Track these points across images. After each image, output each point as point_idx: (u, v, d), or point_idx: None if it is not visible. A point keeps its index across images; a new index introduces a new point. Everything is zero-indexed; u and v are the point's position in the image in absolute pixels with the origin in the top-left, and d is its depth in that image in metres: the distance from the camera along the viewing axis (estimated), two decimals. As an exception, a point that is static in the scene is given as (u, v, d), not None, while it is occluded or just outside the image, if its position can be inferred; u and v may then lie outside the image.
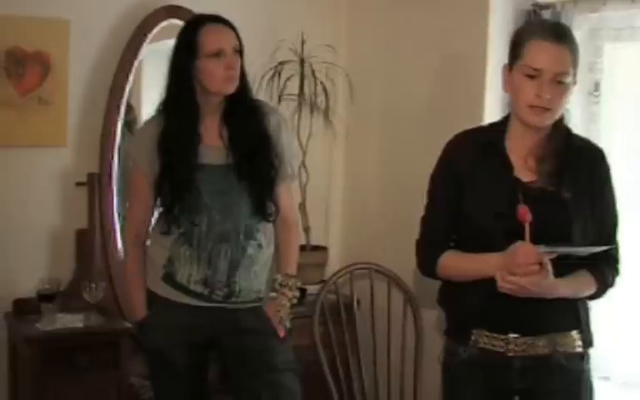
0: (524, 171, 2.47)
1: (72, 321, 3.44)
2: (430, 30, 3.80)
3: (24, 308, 3.53)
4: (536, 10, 3.35)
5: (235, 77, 2.83)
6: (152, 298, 2.93)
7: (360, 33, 4.27)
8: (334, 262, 4.21)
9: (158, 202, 2.90)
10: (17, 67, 3.54)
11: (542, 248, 2.32)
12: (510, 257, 2.35)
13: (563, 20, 3.27)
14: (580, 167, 2.48)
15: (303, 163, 4.00)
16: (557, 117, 2.44)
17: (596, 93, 3.32)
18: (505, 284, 2.34)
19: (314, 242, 4.18)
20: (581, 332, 2.50)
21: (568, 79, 2.39)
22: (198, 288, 2.87)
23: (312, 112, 4.05)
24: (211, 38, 2.79)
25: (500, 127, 2.55)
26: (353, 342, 3.51)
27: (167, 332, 2.90)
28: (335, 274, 3.58)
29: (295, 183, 3.85)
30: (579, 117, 3.33)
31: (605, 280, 2.50)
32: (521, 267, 2.32)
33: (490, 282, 2.37)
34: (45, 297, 3.45)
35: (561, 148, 2.47)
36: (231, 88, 2.83)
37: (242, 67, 2.87)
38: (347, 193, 4.41)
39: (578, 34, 3.25)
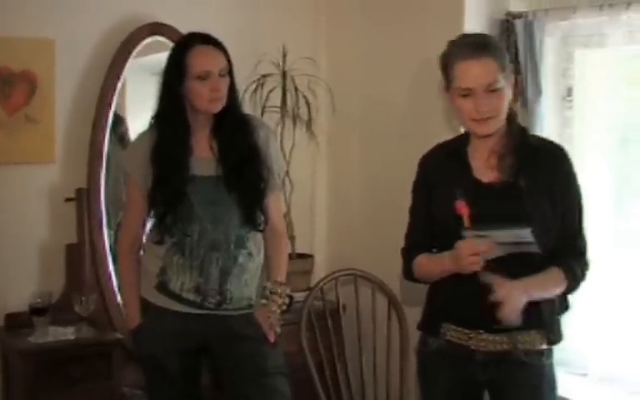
0: (486, 171, 2.62)
1: (64, 333, 3.49)
2: (406, 40, 3.89)
3: (16, 322, 3.58)
4: (509, 19, 3.45)
5: (220, 98, 2.91)
6: (145, 306, 3.01)
7: (339, 45, 4.35)
8: (320, 270, 4.29)
9: (151, 213, 2.98)
10: (4, 87, 3.59)
11: (473, 232, 2.49)
12: (455, 254, 2.51)
13: (536, 28, 3.38)
14: (537, 164, 2.58)
15: (287, 174, 4.07)
16: (502, 119, 2.57)
17: (569, 98, 3.42)
18: (473, 267, 2.48)
19: (300, 250, 4.25)
20: (544, 331, 2.61)
21: (500, 84, 2.51)
22: (191, 296, 2.95)
23: (294, 123, 4.13)
24: (198, 61, 2.87)
25: (465, 137, 2.71)
26: (340, 346, 3.59)
27: (161, 338, 2.98)
28: (320, 281, 3.65)
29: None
30: (553, 121, 3.44)
31: (574, 274, 2.59)
32: (465, 261, 2.48)
33: (457, 280, 2.56)
34: (37, 311, 3.50)
35: (518, 145, 2.60)
36: (216, 108, 2.92)
37: (232, 83, 2.96)
38: (331, 202, 4.49)
39: (550, 41, 3.39)
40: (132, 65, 3.85)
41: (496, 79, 2.50)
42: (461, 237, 2.51)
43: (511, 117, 2.63)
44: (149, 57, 3.82)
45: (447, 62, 2.57)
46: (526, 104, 3.40)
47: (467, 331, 2.63)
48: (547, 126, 3.41)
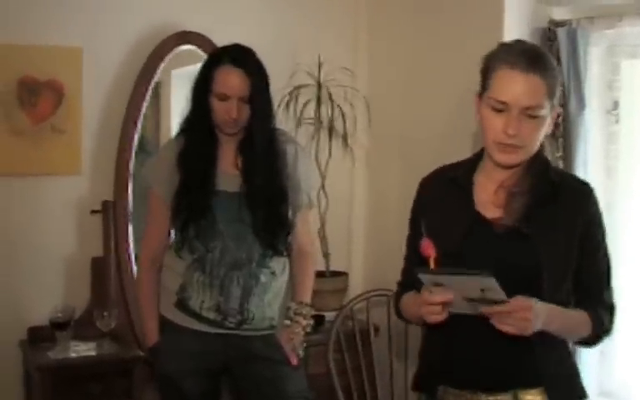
0: (491, 206, 2.21)
1: (86, 349, 3.43)
2: (447, 52, 3.76)
3: (39, 336, 3.52)
4: (551, 27, 3.28)
5: (233, 123, 2.83)
6: (164, 324, 2.92)
7: (379, 56, 4.23)
8: (356, 288, 4.15)
9: (174, 224, 2.90)
10: (30, 96, 3.55)
11: (426, 272, 2.11)
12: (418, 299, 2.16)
13: (580, 38, 3.20)
14: (557, 206, 2.18)
15: (323, 188, 3.95)
16: (531, 153, 2.16)
17: (614, 112, 3.24)
18: (431, 319, 2.12)
19: (335, 267, 4.12)
20: (547, 389, 2.18)
21: (542, 112, 2.10)
22: (211, 315, 2.85)
23: (330, 136, 4.00)
24: (221, 80, 2.81)
25: (472, 161, 2.31)
26: (369, 370, 3.44)
27: (179, 358, 2.89)
28: (351, 301, 3.53)
29: (313, 209, 3.83)
30: (598, 137, 3.27)
31: (602, 323, 2.22)
32: (425, 308, 2.11)
33: (447, 336, 2.17)
34: (58, 325, 3.44)
35: (535, 185, 2.19)
36: (229, 130, 2.86)
37: (265, 99, 2.87)
38: (369, 218, 4.35)
39: (595, 51, 3.21)
40: (174, 75, 3.80)
41: (539, 104, 2.09)
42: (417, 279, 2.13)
43: (538, 150, 2.20)
44: (190, 67, 3.72)
45: (488, 65, 2.17)
46: (568, 118, 3.22)
47: (469, 395, 2.20)
48: (591, 141, 3.22)
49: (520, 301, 2.01)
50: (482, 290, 2.00)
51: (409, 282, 2.34)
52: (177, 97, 3.83)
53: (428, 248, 2.16)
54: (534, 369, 2.16)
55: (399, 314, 2.47)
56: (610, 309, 2.24)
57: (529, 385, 2.17)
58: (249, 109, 2.82)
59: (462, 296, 2.05)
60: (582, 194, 2.23)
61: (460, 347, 2.19)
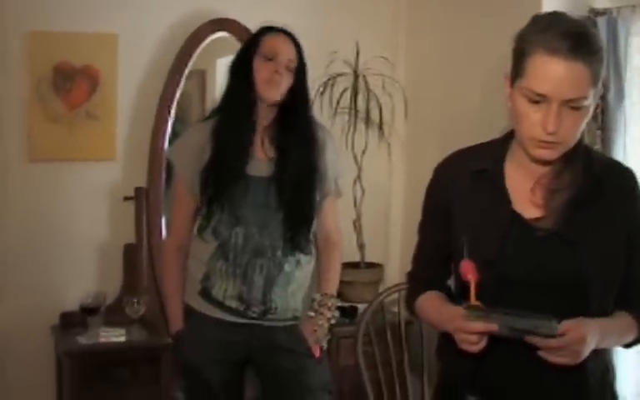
0: (529, 205, 1.94)
1: (115, 335, 3.44)
2: (485, 42, 3.67)
3: (70, 321, 3.55)
4: (591, 16, 3.17)
5: (277, 84, 2.77)
6: (188, 312, 2.89)
7: (418, 46, 4.16)
8: (392, 280, 4.08)
9: (202, 202, 2.84)
10: (65, 82, 3.58)
11: (475, 313, 1.85)
12: (453, 319, 1.91)
13: (620, 27, 3.09)
14: (602, 202, 1.92)
15: (359, 178, 3.91)
16: (571, 146, 1.88)
17: (656, 105, 3.12)
18: (464, 347, 1.88)
19: (371, 259, 4.07)
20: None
21: (587, 102, 1.81)
22: (234, 304, 2.81)
23: (366, 126, 3.95)
24: (269, 42, 2.80)
25: (500, 149, 2.02)
26: (400, 364, 3.38)
27: (203, 347, 2.85)
28: (382, 293, 3.46)
29: (348, 199, 3.78)
30: (638, 129, 3.16)
31: None
32: (460, 335, 1.87)
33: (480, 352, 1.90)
34: (88, 311, 3.46)
35: (578, 179, 1.91)
36: (270, 93, 2.78)
37: (302, 85, 2.84)
38: (407, 209, 4.28)
39: (636, 40, 3.09)
40: (220, 64, 3.78)
41: (584, 94, 1.79)
42: (489, 295, 1.88)
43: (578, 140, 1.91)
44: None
45: (523, 47, 1.83)
46: (607, 110, 3.11)
47: None
48: (630, 134, 3.11)
49: (573, 334, 1.79)
50: (536, 325, 1.80)
51: (423, 278, 2.18)
52: (223, 85, 3.82)
53: (469, 272, 1.90)
54: (578, 382, 1.91)
55: (412, 311, 2.24)
56: None
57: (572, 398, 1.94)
58: (292, 86, 2.79)
59: (507, 325, 1.83)
60: (627, 185, 1.97)
61: (499, 349, 1.89)
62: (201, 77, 3.87)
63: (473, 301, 1.88)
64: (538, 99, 1.80)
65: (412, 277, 2.26)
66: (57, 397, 3.60)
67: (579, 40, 1.78)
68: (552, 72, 1.77)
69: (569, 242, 1.88)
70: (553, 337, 1.79)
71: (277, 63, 2.77)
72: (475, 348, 1.85)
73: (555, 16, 1.87)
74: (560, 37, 1.77)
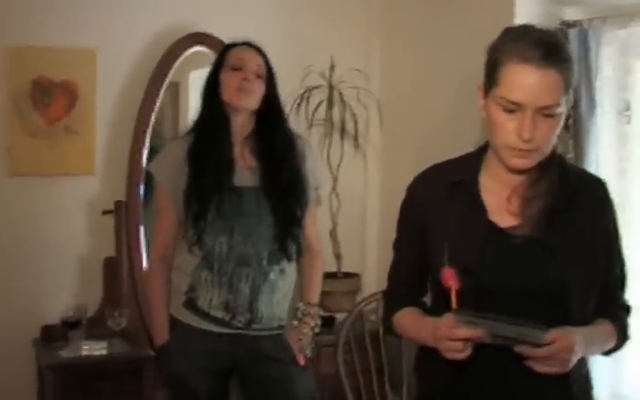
0: (505, 214, 1.96)
1: (97, 348, 3.44)
2: (458, 54, 3.73)
3: (52, 335, 3.55)
4: (563, 28, 3.25)
5: (249, 92, 2.83)
6: (174, 323, 2.91)
7: (392, 58, 4.22)
8: (370, 290, 4.12)
9: (186, 216, 2.87)
10: (44, 97, 3.59)
11: (464, 317, 1.85)
12: (436, 329, 1.90)
13: (591, 38, 3.17)
14: (577, 210, 1.95)
15: (334, 189, 3.97)
16: (546, 154, 1.91)
17: (626, 113, 3.20)
18: (449, 355, 1.87)
19: (348, 269, 4.12)
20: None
21: (560, 109, 1.85)
22: (219, 313, 2.84)
23: (342, 137, 4.00)
24: (235, 54, 2.87)
25: (475, 161, 2.04)
26: (379, 372, 3.43)
27: (189, 358, 2.87)
28: (361, 302, 3.52)
29: (325, 209, 3.84)
30: (609, 138, 3.23)
31: (625, 332, 2.05)
32: (442, 345, 1.87)
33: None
34: (69, 324, 3.47)
35: (553, 188, 1.95)
36: (242, 101, 2.84)
37: (274, 92, 2.91)
38: (383, 220, 4.33)
39: (607, 52, 3.17)
40: (196, 76, 3.81)
41: (557, 101, 1.83)
42: (469, 304, 1.88)
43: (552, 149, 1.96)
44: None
45: (496, 58, 1.87)
46: (579, 119, 3.19)
47: None
48: (602, 142, 3.20)
49: (561, 342, 1.81)
50: (524, 333, 1.81)
51: (400, 295, 2.17)
52: (195, 99, 3.83)
53: (450, 279, 1.90)
54: (561, 389, 1.92)
55: (389, 328, 2.22)
56: (628, 312, 2.08)
57: None
58: (266, 95, 2.86)
59: (492, 332, 1.83)
60: (599, 193, 2.03)
61: (479, 361, 1.89)
62: (174, 89, 3.90)
63: (455, 306, 1.88)
64: (513, 108, 1.84)
65: (389, 295, 2.24)
66: (39, 411, 3.60)
67: (551, 48, 1.83)
68: (525, 80, 1.82)
69: (546, 248, 1.90)
70: (539, 346, 1.80)
71: (246, 71, 2.84)
72: (461, 356, 1.85)
73: (526, 27, 1.92)
74: (532, 46, 1.82)
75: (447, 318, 1.87)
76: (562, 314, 1.89)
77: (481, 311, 1.85)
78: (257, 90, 2.85)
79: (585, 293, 1.93)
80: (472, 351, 1.86)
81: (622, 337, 2.04)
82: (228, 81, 2.84)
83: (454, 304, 1.88)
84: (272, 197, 2.84)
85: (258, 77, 2.86)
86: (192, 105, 3.89)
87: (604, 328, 2.00)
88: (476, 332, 1.82)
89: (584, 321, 1.94)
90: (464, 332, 1.83)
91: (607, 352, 2.08)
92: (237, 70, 2.83)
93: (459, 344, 1.84)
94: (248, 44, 2.91)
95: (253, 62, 2.85)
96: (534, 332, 1.80)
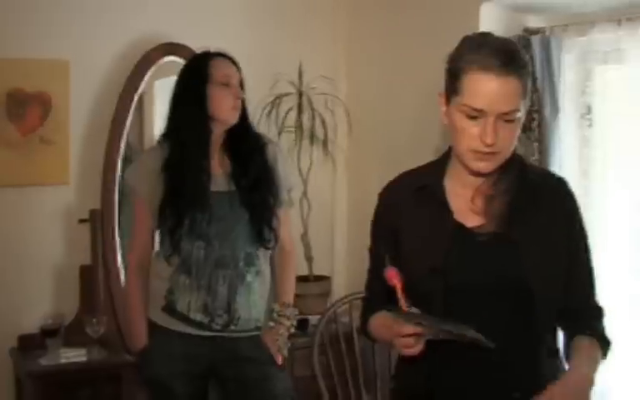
0: (470, 214, 2.04)
1: (75, 355, 3.47)
2: (423, 59, 3.80)
3: (29, 344, 3.57)
4: (525, 35, 3.37)
5: (239, 108, 2.94)
6: (153, 328, 2.97)
7: (358, 64, 4.31)
8: (340, 292, 4.22)
9: (161, 228, 2.94)
10: (18, 108, 3.61)
11: (394, 315, 1.97)
12: (389, 328, 1.99)
13: (553, 45, 3.29)
14: (538, 207, 2.03)
15: (305, 194, 4.04)
16: (507, 156, 2.00)
17: (588, 116, 3.33)
18: (404, 352, 1.96)
19: (318, 271, 4.20)
20: None
21: (519, 114, 1.93)
22: (198, 317, 2.90)
23: (311, 143, 4.08)
24: (220, 69, 2.92)
25: (439, 167, 2.12)
26: (354, 372, 3.51)
27: (168, 361, 2.93)
28: (334, 304, 3.58)
29: (296, 213, 3.90)
30: (572, 141, 3.35)
31: (607, 342, 2.07)
32: (397, 340, 1.96)
33: (431, 358, 1.97)
34: (48, 333, 3.49)
35: (513, 185, 2.04)
36: (235, 118, 2.93)
37: (242, 100, 2.98)
38: (351, 222, 4.43)
39: (569, 58, 3.29)
40: (156, 85, 3.86)
41: (517, 107, 1.91)
42: (437, 303, 1.97)
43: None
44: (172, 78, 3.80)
45: (457, 67, 1.94)
46: (543, 123, 3.31)
47: None
48: (565, 146, 3.32)
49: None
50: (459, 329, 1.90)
51: (377, 300, 2.20)
52: (160, 107, 3.89)
53: (393, 278, 2.01)
54: (533, 377, 1.98)
55: (366, 333, 2.28)
56: (601, 316, 2.10)
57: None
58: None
59: (438, 328, 1.92)
60: (562, 193, 2.09)
61: (449, 372, 2.00)
62: (139, 99, 3.93)
63: (403, 305, 1.98)
64: (476, 114, 1.92)
65: (365, 300, 2.31)
66: (18, 419, 3.62)
67: (509, 57, 1.91)
68: (487, 87, 1.89)
69: (510, 241, 1.98)
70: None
71: (233, 88, 2.91)
72: (412, 351, 1.94)
73: (484, 36, 2.00)
74: (492, 55, 1.89)
75: (396, 318, 1.96)
76: (528, 309, 1.96)
77: (449, 312, 1.94)
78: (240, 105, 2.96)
79: (548, 288, 1.98)
80: (445, 351, 1.94)
81: (605, 346, 2.06)
82: (222, 99, 2.90)
83: (402, 302, 1.98)
84: (244, 192, 2.92)
85: (240, 87, 2.96)
86: (158, 114, 3.95)
87: (590, 345, 2.02)
88: (415, 328, 1.91)
89: (548, 320, 2.01)
90: (407, 328, 1.92)
91: None
92: (225, 86, 2.90)
93: (410, 340, 1.93)
94: (225, 56, 2.97)
95: (236, 79, 2.94)
96: (461, 327, 1.89)
